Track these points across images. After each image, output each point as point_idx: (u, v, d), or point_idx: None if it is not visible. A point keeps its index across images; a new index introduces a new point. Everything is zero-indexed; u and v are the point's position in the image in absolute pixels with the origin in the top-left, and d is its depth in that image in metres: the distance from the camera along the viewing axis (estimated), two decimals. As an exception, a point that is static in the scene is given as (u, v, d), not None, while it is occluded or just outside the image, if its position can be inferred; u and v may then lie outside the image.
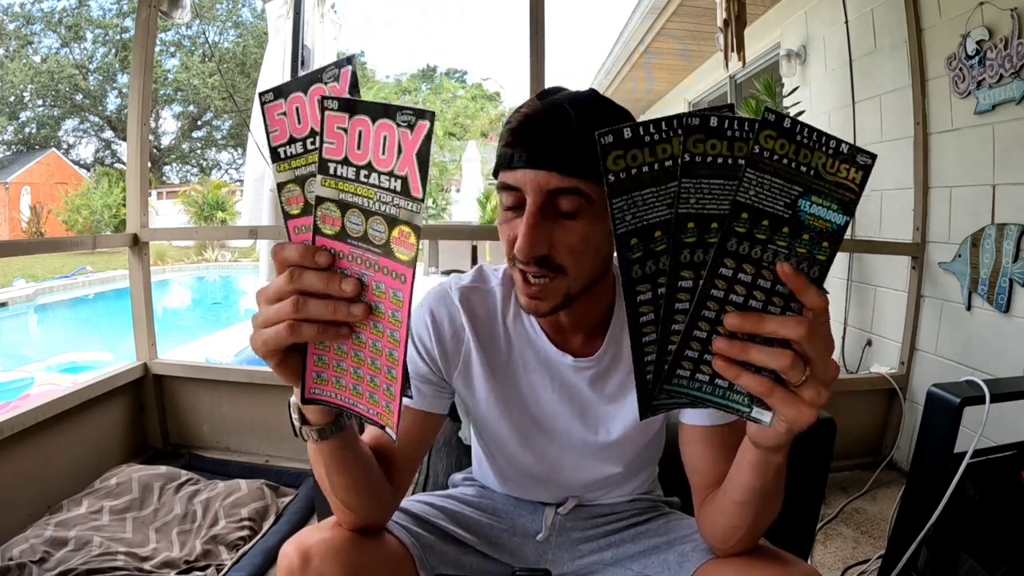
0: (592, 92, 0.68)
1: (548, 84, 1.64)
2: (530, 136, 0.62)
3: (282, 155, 0.48)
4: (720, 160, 0.43)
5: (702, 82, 5.11)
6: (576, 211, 0.63)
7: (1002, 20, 1.80)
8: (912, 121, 2.19)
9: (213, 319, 8.09)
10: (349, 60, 0.46)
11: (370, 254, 0.46)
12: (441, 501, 0.87)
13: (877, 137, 2.49)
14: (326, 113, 0.44)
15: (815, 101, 2.91)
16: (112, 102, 20.28)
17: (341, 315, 0.46)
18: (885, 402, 2.28)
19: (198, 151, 22.24)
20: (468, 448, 0.97)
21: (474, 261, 6.65)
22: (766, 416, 0.46)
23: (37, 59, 18.62)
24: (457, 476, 0.99)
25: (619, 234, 0.44)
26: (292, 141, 0.47)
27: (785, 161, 0.42)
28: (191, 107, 20.82)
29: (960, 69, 1.97)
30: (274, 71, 3.01)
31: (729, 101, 4.44)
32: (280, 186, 0.48)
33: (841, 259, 2.72)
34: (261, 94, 0.47)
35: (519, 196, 0.64)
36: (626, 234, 0.44)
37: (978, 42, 1.88)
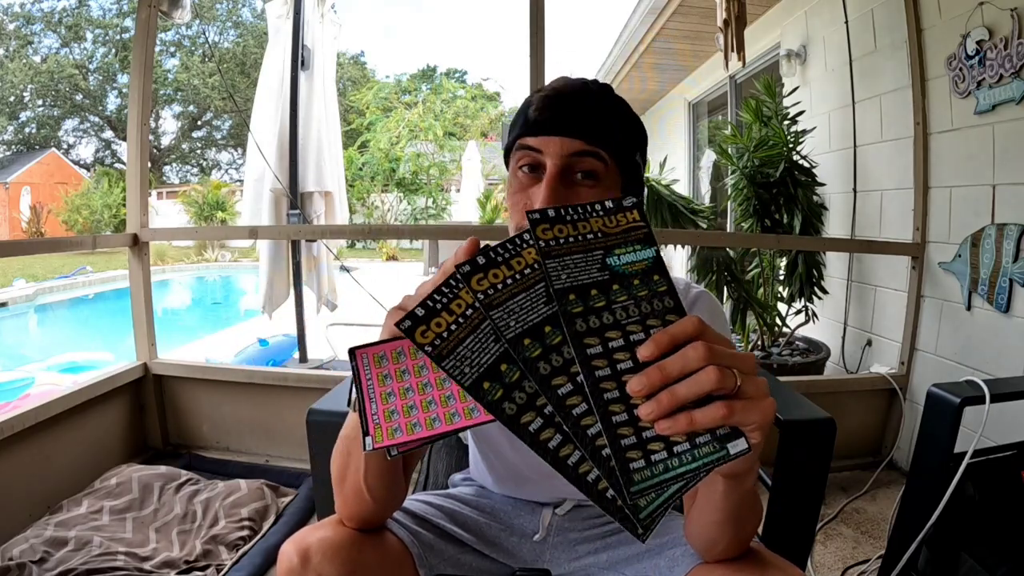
0: (607, 85, 0.75)
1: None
2: (559, 105, 0.69)
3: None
4: (572, 240, 0.46)
5: (702, 82, 5.11)
6: (595, 172, 0.68)
7: (1002, 20, 1.80)
8: (912, 121, 2.19)
9: (213, 319, 8.09)
10: None
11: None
12: (440, 500, 0.87)
13: (877, 137, 2.50)
14: None
15: (815, 101, 2.90)
16: (112, 102, 20.32)
17: None
18: (885, 402, 2.28)
19: (198, 151, 22.25)
20: (468, 448, 0.98)
21: (474, 261, 6.62)
22: (743, 443, 0.42)
23: (37, 59, 18.61)
24: (457, 476, 0.99)
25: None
26: None
27: (571, 239, 0.45)
28: (191, 107, 20.82)
29: (960, 69, 1.97)
30: (274, 71, 3.02)
31: (729, 101, 4.45)
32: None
33: (841, 259, 2.73)
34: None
35: (537, 157, 0.69)
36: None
37: (978, 42, 1.88)
